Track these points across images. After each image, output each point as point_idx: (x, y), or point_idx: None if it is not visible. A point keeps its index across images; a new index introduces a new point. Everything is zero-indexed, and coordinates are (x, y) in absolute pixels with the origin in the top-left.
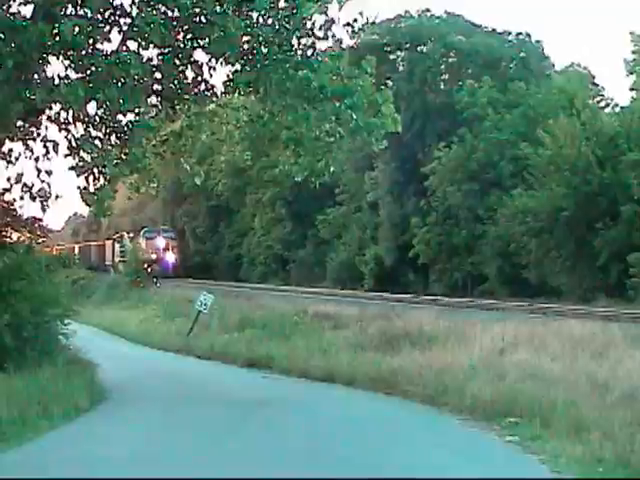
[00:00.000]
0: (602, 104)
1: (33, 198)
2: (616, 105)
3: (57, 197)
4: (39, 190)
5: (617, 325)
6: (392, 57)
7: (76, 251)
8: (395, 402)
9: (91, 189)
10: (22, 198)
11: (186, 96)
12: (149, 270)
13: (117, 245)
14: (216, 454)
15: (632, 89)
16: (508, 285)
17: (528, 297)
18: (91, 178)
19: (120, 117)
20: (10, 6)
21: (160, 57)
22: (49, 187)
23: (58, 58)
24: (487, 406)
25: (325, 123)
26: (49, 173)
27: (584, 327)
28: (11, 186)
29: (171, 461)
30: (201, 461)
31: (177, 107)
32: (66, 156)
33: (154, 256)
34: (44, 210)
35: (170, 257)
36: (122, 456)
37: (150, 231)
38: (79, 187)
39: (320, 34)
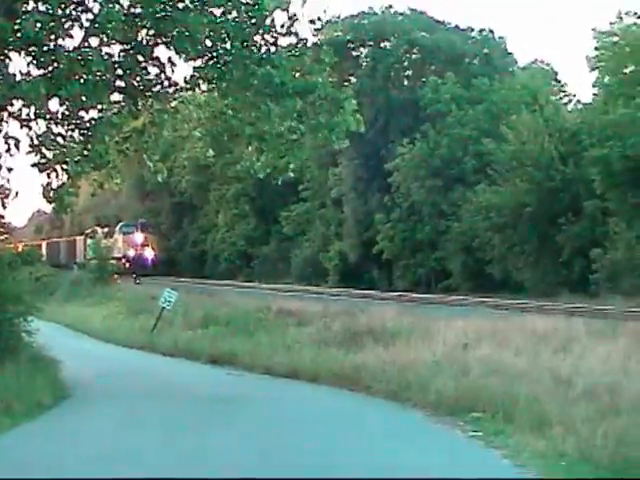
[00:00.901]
0: (565, 100)
1: None
2: (578, 101)
3: (17, 194)
4: (1, 187)
5: (580, 320)
6: (355, 54)
7: (43, 248)
8: (359, 398)
9: (54, 186)
10: None
11: (148, 93)
12: (127, 267)
13: (90, 241)
14: (174, 453)
15: (594, 85)
16: (472, 280)
17: (492, 292)
18: (53, 175)
19: (83, 114)
20: None
21: (122, 53)
22: (9, 183)
23: (20, 54)
24: (451, 401)
25: (287, 120)
26: (10, 170)
27: (547, 322)
28: None
29: (132, 458)
30: (158, 459)
31: (140, 104)
32: (28, 153)
33: (132, 252)
34: (4, 207)
35: (149, 253)
36: (85, 454)
37: (128, 225)
38: (42, 184)
39: (282, 30)
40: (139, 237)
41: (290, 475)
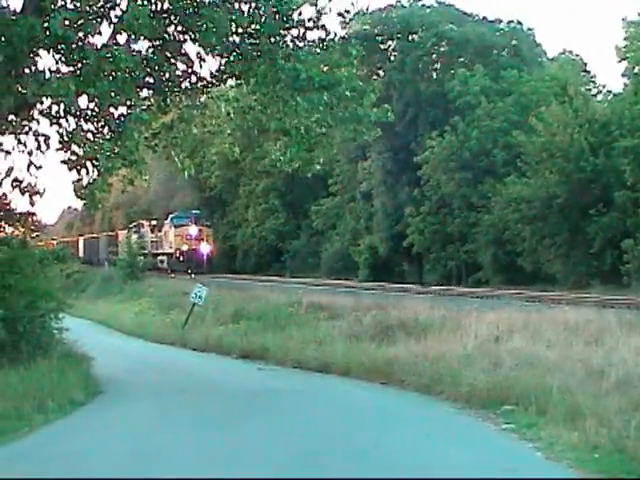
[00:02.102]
0: (594, 91)
1: (23, 192)
2: (608, 92)
3: (44, 191)
4: (28, 184)
5: (612, 311)
6: (383, 47)
7: (80, 244)
8: (391, 392)
9: (84, 183)
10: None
11: (177, 88)
12: (181, 262)
13: (134, 235)
14: (206, 450)
15: (624, 75)
16: (502, 273)
17: (522, 285)
18: (84, 171)
19: (112, 110)
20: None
21: (150, 50)
22: (36, 180)
23: (49, 52)
24: (483, 394)
25: (314, 113)
26: (38, 167)
27: (579, 314)
28: (1, 180)
29: (163, 456)
30: (189, 457)
31: (168, 100)
32: (58, 150)
33: (186, 246)
34: (32, 204)
35: (205, 247)
36: (116, 451)
37: (180, 217)
38: (72, 181)
39: (310, 24)
40: (193, 230)
41: (320, 471)
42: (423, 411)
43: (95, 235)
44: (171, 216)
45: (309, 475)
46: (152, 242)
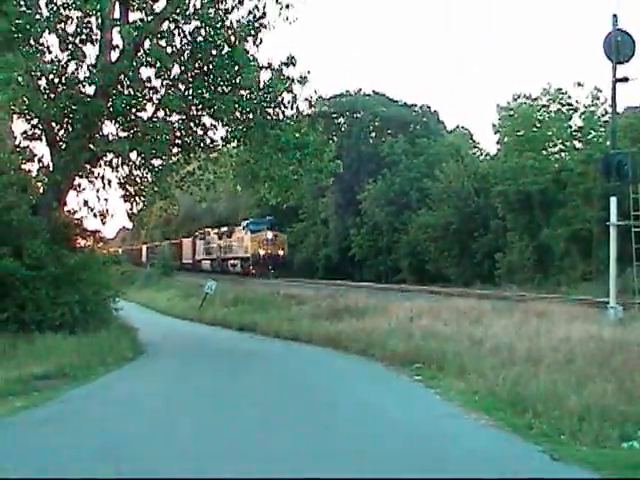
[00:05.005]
0: (478, 153)
1: (95, 216)
2: (487, 154)
3: (112, 216)
4: (99, 211)
5: (488, 301)
6: (337, 121)
7: (143, 251)
8: (340, 353)
9: (134, 211)
10: (87, 216)
11: (197, 147)
12: (261, 265)
13: (200, 242)
14: (215, 386)
15: (497, 143)
16: (415, 275)
17: (429, 283)
18: (134, 203)
19: (153, 162)
20: (81, 87)
21: (180, 121)
22: (107, 209)
23: (111, 122)
24: (401, 356)
25: (290, 165)
26: (106, 200)
27: (466, 303)
28: (80, 208)
29: (188, 395)
30: (208, 395)
31: (191, 155)
32: (117, 189)
33: (262, 251)
34: (103, 223)
35: (280, 251)
36: (153, 390)
37: (256, 224)
38: (126, 210)
39: (288, 105)
40: (270, 235)
41: (293, 394)
42: (361, 366)
43: (157, 243)
44: (245, 222)
45: (287, 396)
46: (221, 247)
